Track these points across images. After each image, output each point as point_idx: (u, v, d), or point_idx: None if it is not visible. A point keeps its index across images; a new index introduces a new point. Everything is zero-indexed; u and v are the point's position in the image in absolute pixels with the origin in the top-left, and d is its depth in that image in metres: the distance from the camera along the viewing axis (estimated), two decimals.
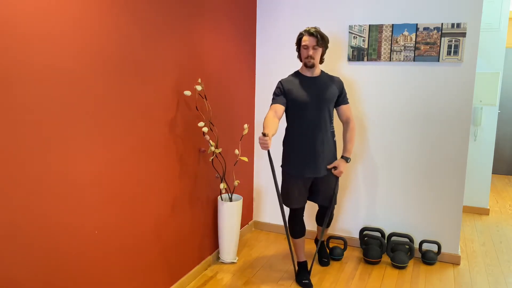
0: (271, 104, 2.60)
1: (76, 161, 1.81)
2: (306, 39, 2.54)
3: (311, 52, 2.55)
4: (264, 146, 2.31)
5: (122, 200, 2.11)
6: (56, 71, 1.68)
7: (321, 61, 2.66)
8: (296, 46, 2.63)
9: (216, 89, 2.94)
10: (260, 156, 3.65)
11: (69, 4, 1.71)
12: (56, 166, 1.72)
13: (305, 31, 2.56)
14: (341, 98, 2.70)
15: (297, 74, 2.67)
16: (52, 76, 1.66)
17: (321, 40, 2.54)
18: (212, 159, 2.93)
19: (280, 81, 2.64)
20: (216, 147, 2.88)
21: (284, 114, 2.70)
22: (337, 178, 2.74)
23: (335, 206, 3.09)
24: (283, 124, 3.51)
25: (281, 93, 2.60)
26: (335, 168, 2.68)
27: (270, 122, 2.45)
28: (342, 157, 2.70)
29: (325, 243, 3.17)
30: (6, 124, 1.51)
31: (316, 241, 3.13)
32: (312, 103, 2.58)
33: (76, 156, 1.81)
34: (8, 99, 1.50)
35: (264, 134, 2.30)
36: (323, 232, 2.85)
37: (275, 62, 3.48)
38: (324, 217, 2.88)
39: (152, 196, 2.33)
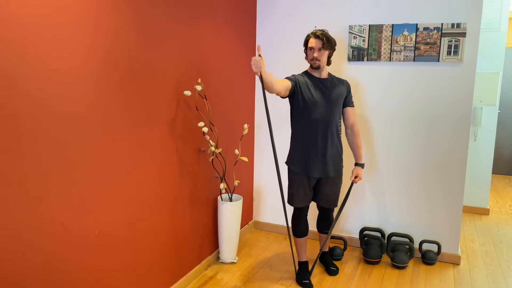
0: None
1: (76, 161, 1.81)
2: (312, 41, 2.57)
3: (316, 54, 2.57)
4: (257, 66, 2.20)
5: (122, 200, 2.11)
6: (55, 71, 1.68)
7: (329, 63, 2.69)
8: (304, 47, 2.67)
9: (216, 89, 2.94)
10: (260, 156, 3.65)
11: (69, 5, 1.71)
12: (56, 166, 1.72)
13: (312, 33, 2.59)
14: (347, 99, 2.72)
15: (306, 73, 2.68)
16: (51, 76, 1.66)
17: (327, 43, 2.56)
18: (212, 159, 2.93)
19: (293, 74, 2.66)
20: (216, 147, 2.88)
21: (291, 113, 2.71)
22: (352, 183, 2.77)
23: (335, 208, 3.08)
24: (287, 122, 3.51)
25: (295, 79, 2.61)
26: (355, 176, 2.71)
27: (276, 79, 2.37)
28: (357, 164, 2.72)
29: (329, 253, 3.08)
30: (7, 124, 1.51)
31: (322, 254, 3.02)
32: (321, 103, 2.60)
33: (76, 156, 1.81)
34: (10, 100, 1.50)
35: (259, 55, 2.22)
36: (327, 239, 2.84)
37: (275, 62, 3.48)
38: (324, 220, 2.89)
39: (152, 196, 2.33)
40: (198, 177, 2.77)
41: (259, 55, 2.25)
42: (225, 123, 3.09)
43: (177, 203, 2.56)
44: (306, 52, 2.66)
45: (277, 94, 2.50)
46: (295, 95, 2.61)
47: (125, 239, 2.15)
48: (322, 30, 2.58)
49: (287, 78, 2.61)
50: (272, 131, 2.52)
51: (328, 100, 2.61)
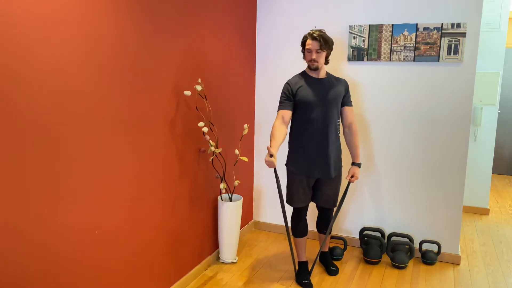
0: (278, 110, 2.63)
1: (76, 161, 1.81)
2: (309, 43, 2.56)
3: (314, 56, 2.56)
4: (271, 166, 2.45)
5: (122, 200, 2.11)
6: (55, 70, 1.68)
7: (326, 62, 2.68)
8: (301, 47, 2.66)
9: (216, 89, 2.94)
10: (260, 156, 3.65)
11: (69, 5, 1.71)
12: (57, 165, 1.72)
13: (309, 34, 2.57)
14: (345, 98, 2.71)
15: (303, 74, 2.68)
16: (51, 75, 1.66)
17: (324, 44, 2.55)
18: (212, 159, 2.93)
19: (287, 83, 2.65)
20: (216, 147, 2.88)
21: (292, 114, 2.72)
22: (348, 183, 2.76)
23: (335, 207, 3.08)
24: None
25: (289, 95, 2.62)
26: (351, 176, 2.70)
27: (278, 132, 2.53)
28: (354, 163, 2.71)
29: (329, 253, 3.07)
30: (6, 123, 1.51)
31: (321, 254, 3.02)
32: (319, 104, 2.59)
33: (76, 156, 1.81)
34: (8, 98, 1.50)
35: (270, 155, 2.43)
36: (326, 239, 2.84)
37: (275, 62, 3.48)
38: (324, 220, 2.88)
39: (152, 196, 2.33)
40: (198, 177, 2.77)
41: (271, 155, 2.44)
42: (225, 123, 3.09)
43: (177, 203, 2.56)
44: (303, 52, 2.66)
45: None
46: (295, 105, 2.64)
47: (125, 239, 2.15)
48: (319, 31, 2.57)
49: (282, 100, 2.63)
50: (280, 188, 2.65)
51: (326, 100, 2.60)
